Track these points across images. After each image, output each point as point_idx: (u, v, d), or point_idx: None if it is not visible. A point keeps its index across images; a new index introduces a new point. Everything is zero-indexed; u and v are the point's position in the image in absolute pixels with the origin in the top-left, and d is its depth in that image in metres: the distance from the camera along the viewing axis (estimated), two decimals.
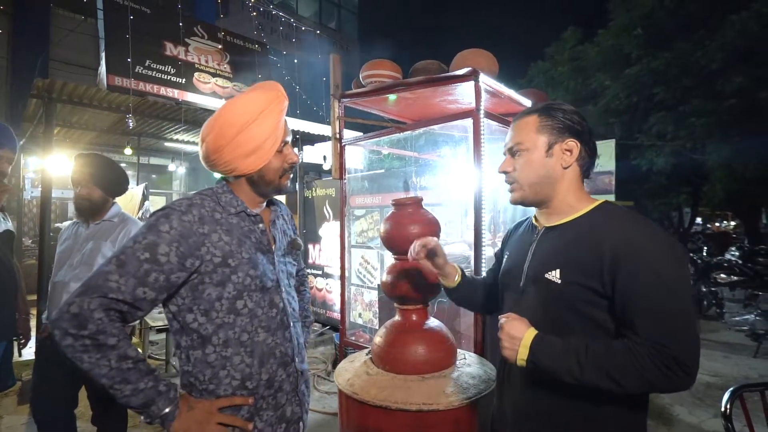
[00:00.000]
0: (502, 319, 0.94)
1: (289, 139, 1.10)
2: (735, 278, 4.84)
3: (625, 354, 0.82)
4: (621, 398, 0.87)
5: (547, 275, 0.94)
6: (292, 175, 1.13)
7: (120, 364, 0.85)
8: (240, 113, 0.99)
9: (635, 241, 0.86)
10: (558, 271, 0.92)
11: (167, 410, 0.89)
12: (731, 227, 18.38)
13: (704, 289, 5.02)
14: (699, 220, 16.74)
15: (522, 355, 0.89)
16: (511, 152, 1.03)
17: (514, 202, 1.07)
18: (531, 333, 0.90)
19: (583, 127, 1.00)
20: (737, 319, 4.58)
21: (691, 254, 5.71)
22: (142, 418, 0.89)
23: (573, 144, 0.97)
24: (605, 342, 0.86)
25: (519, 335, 0.90)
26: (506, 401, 1.08)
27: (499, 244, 1.30)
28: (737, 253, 5.63)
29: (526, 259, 1.03)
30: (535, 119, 1.00)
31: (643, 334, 0.83)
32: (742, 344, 4.66)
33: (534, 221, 1.08)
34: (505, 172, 1.05)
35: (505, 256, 1.15)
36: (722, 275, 4.89)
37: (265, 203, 1.14)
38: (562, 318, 0.93)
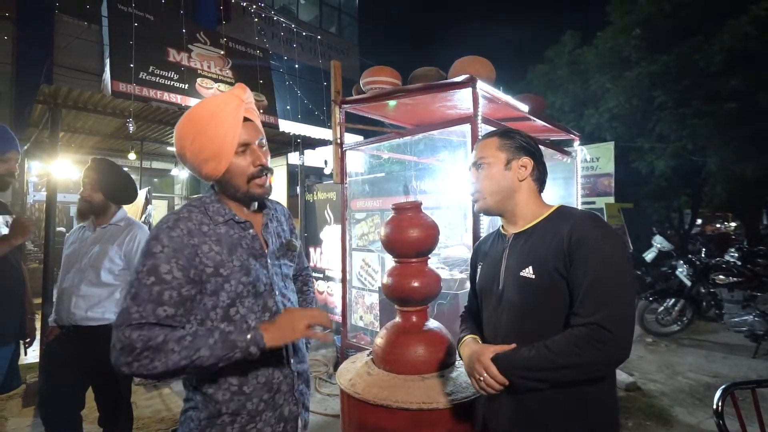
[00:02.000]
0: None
1: (257, 141, 1.05)
2: (734, 279, 4.86)
3: (564, 338, 0.97)
4: (591, 379, 1.01)
5: (522, 273, 1.08)
6: (267, 181, 1.08)
7: (181, 344, 0.90)
8: (194, 121, 1.01)
9: (586, 230, 1.01)
10: (531, 267, 1.07)
11: (249, 336, 0.93)
12: (731, 229, 18.37)
13: (703, 290, 5.03)
14: (699, 221, 16.74)
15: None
16: (476, 166, 1.19)
17: (479, 211, 1.21)
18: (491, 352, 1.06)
19: (536, 149, 1.18)
20: (736, 320, 4.60)
21: (690, 255, 5.72)
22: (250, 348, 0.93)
23: (527, 161, 1.15)
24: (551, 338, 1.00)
25: (486, 364, 1.05)
26: (500, 397, 1.12)
27: None
28: (736, 255, 5.64)
29: (501, 265, 1.15)
30: (496, 140, 1.18)
31: (582, 312, 0.97)
32: (742, 345, 4.69)
33: (502, 230, 1.23)
34: (471, 184, 1.21)
35: (479, 267, 1.26)
36: (721, 276, 4.91)
37: (255, 206, 1.14)
38: (540, 309, 1.05)
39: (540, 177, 1.18)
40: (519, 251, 1.12)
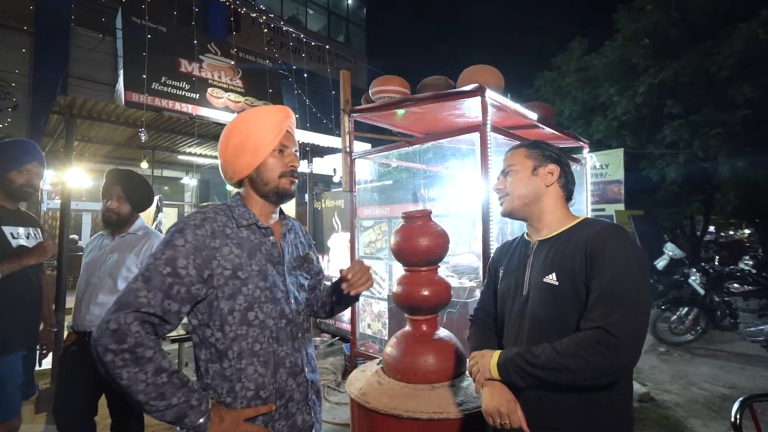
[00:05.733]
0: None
1: (294, 149, 1.16)
2: (748, 288, 4.76)
3: (570, 340, 0.99)
4: (606, 387, 1.02)
5: (545, 279, 1.11)
6: (296, 182, 1.15)
7: (155, 378, 0.89)
8: (243, 118, 1.12)
9: (606, 240, 1.04)
10: (554, 274, 1.09)
11: (201, 421, 0.93)
12: (745, 236, 18.05)
13: (717, 299, 4.94)
14: (712, 228, 16.48)
15: (494, 373, 1.10)
16: (504, 173, 1.25)
17: (504, 213, 1.24)
18: (497, 352, 1.11)
19: (563, 159, 1.22)
20: (752, 329, 4.50)
21: (703, 263, 5.63)
22: (178, 428, 0.94)
23: (554, 168, 1.19)
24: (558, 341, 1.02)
25: (486, 364, 1.11)
26: None
27: None
28: (751, 263, 5.52)
29: (526, 270, 1.17)
30: (524, 150, 1.23)
31: (591, 317, 0.98)
32: (758, 355, 4.58)
33: (526, 237, 1.26)
34: (498, 189, 1.26)
35: (501, 272, 1.29)
36: (735, 285, 4.81)
37: (276, 215, 1.18)
38: (562, 315, 1.07)
39: (567, 185, 1.21)
40: (543, 258, 1.15)
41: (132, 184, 2.05)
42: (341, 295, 1.26)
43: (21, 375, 1.88)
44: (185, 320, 1.05)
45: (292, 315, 1.10)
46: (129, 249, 2.01)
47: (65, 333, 2.09)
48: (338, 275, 1.20)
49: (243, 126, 1.10)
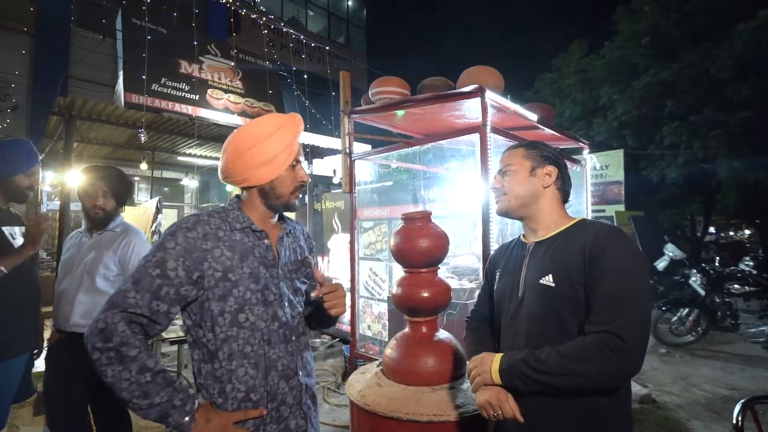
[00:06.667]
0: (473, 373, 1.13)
1: (302, 159, 1.17)
2: (749, 289, 4.75)
3: (576, 344, 0.98)
4: (606, 390, 1.01)
5: (542, 281, 1.10)
6: (300, 195, 1.18)
7: (139, 377, 0.90)
8: (260, 127, 1.10)
9: (606, 242, 1.03)
10: (551, 275, 1.08)
11: (185, 420, 0.93)
12: (746, 236, 18.04)
13: (717, 300, 4.93)
14: (713, 229, 16.47)
15: (496, 378, 1.06)
16: (501, 173, 1.24)
17: (500, 212, 1.24)
18: (497, 357, 1.08)
19: (561, 161, 1.22)
20: (753, 330, 4.50)
21: (703, 264, 5.62)
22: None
23: (552, 169, 1.19)
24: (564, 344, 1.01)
25: (487, 370, 1.08)
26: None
27: None
28: (751, 263, 5.52)
29: (522, 272, 1.17)
30: (522, 150, 1.23)
31: (597, 321, 0.97)
32: (759, 356, 4.57)
33: (523, 239, 1.26)
34: (494, 188, 1.25)
35: (498, 274, 1.28)
36: (736, 285, 4.81)
37: (275, 219, 1.18)
38: (558, 316, 1.06)
39: (563, 187, 1.21)
40: (540, 259, 1.14)
41: (116, 180, 2.02)
42: (317, 310, 1.25)
43: (19, 380, 1.86)
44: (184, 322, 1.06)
45: (286, 318, 1.10)
46: (107, 246, 1.96)
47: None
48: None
49: (259, 139, 1.08)
